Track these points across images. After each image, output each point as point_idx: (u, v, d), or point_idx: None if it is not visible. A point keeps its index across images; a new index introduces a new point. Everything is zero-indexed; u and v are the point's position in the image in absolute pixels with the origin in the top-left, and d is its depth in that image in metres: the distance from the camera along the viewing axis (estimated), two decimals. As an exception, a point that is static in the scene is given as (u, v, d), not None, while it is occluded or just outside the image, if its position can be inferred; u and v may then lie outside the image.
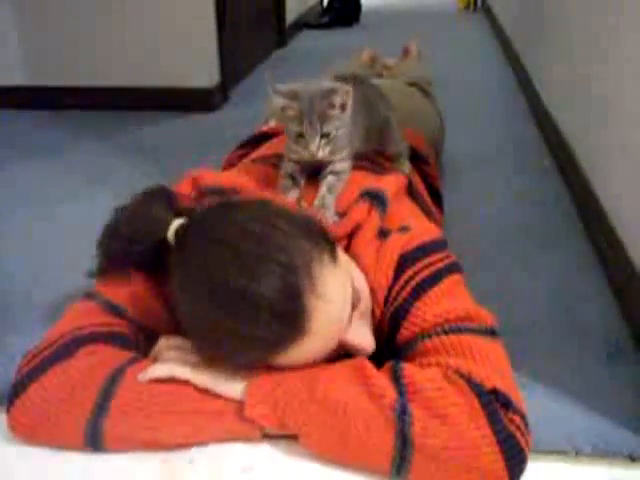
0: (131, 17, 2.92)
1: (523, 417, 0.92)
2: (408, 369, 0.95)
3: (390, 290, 1.08)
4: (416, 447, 0.88)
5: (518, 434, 0.90)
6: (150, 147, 2.52)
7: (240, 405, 0.95)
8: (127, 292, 1.11)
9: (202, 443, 0.99)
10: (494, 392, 0.91)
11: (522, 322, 1.40)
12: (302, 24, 5.14)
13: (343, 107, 1.17)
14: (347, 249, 1.13)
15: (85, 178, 2.21)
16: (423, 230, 1.15)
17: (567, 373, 1.24)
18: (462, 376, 0.93)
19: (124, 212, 1.09)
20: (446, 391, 0.91)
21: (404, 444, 0.88)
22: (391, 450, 0.89)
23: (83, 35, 2.96)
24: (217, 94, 3.04)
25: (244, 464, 0.98)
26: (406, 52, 2.84)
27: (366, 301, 1.06)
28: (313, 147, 1.15)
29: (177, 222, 1.02)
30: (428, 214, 1.34)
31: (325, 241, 0.97)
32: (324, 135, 1.16)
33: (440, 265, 1.10)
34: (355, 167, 1.28)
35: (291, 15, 4.74)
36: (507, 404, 0.91)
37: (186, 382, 0.96)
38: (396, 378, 0.93)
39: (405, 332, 1.05)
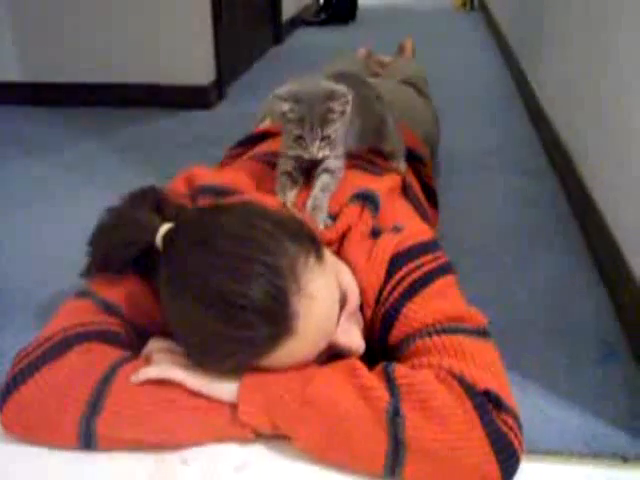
0: (128, 14, 2.91)
1: (516, 418, 0.92)
2: (400, 370, 0.95)
3: (382, 290, 1.08)
4: (409, 448, 0.88)
5: (511, 435, 0.90)
6: (146, 144, 2.51)
7: (232, 407, 0.95)
8: (120, 290, 1.11)
9: (195, 444, 0.99)
10: (487, 393, 0.91)
11: (516, 322, 1.40)
12: (299, 21, 5.13)
13: (342, 112, 1.18)
14: (339, 250, 1.13)
15: (81, 176, 2.20)
16: (416, 230, 1.15)
17: (560, 373, 1.25)
18: (455, 377, 0.93)
19: (113, 214, 1.10)
20: (439, 392, 0.91)
21: (397, 445, 0.88)
22: (384, 451, 0.89)
23: (80, 32, 2.95)
24: (213, 91, 3.04)
25: (237, 464, 0.98)
26: (401, 50, 2.84)
27: (355, 301, 1.06)
28: (313, 149, 1.16)
29: (165, 227, 1.02)
30: (422, 214, 1.34)
31: (311, 242, 0.97)
32: (324, 138, 1.16)
33: (432, 266, 1.10)
34: (349, 166, 1.28)
35: (288, 12, 4.74)
36: (500, 405, 0.91)
37: (179, 384, 0.96)
38: (388, 379, 0.93)
39: (397, 333, 1.05)
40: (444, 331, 1.00)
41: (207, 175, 1.24)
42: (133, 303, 1.10)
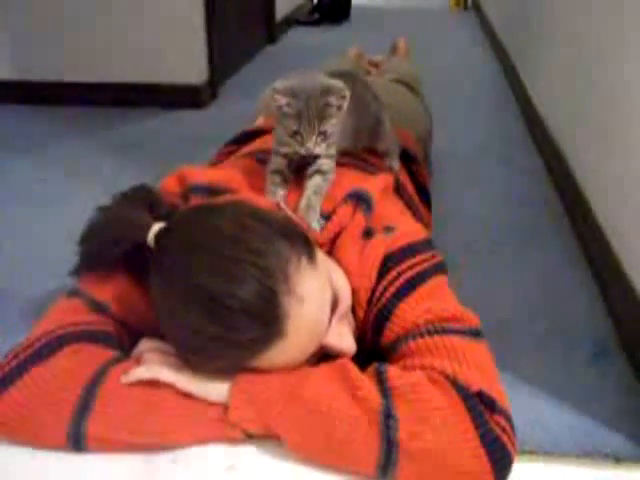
0: (118, 13, 2.90)
1: (509, 419, 0.92)
2: (392, 371, 0.94)
3: (373, 291, 1.08)
4: (401, 450, 0.88)
5: (504, 436, 0.89)
6: (137, 144, 2.50)
7: (223, 408, 0.95)
8: (111, 290, 1.10)
9: (185, 445, 0.99)
10: (479, 394, 0.91)
11: (508, 321, 1.40)
12: (292, 21, 5.12)
13: (339, 107, 1.17)
14: (331, 251, 1.13)
15: (71, 175, 2.19)
16: (408, 230, 1.14)
17: (553, 373, 1.24)
18: (447, 378, 0.92)
19: (105, 213, 1.09)
20: (431, 394, 0.90)
21: (389, 447, 0.88)
22: (376, 453, 0.89)
23: (69, 31, 2.94)
24: (205, 91, 3.03)
25: (228, 464, 0.98)
26: (394, 49, 2.84)
27: (346, 302, 1.05)
28: (310, 144, 1.15)
29: (157, 226, 1.02)
30: (416, 213, 1.33)
31: (303, 242, 0.96)
32: (321, 133, 1.15)
33: (424, 266, 1.09)
34: (343, 165, 1.28)
35: (281, 12, 4.73)
36: (492, 406, 0.91)
37: (169, 385, 0.96)
38: (380, 381, 0.93)
39: (389, 333, 1.04)
40: (436, 332, 0.99)
41: (199, 173, 1.23)
42: (124, 303, 1.10)
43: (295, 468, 0.97)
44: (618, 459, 1.04)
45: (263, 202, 1.12)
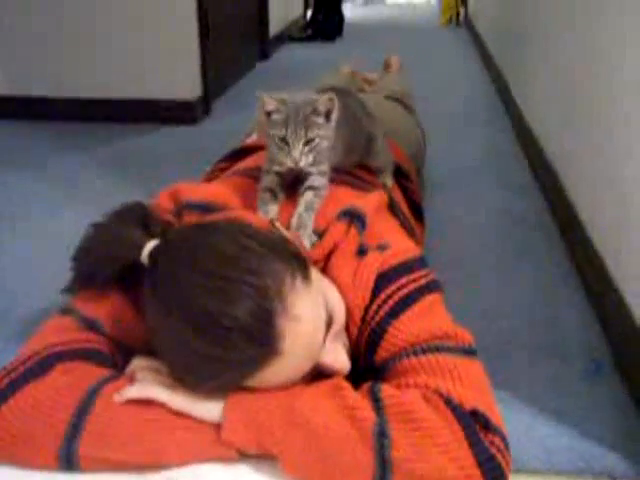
0: (114, 29, 2.91)
1: (503, 438, 0.91)
2: (387, 390, 0.94)
3: (367, 309, 1.07)
4: (396, 470, 0.87)
5: (499, 455, 0.89)
6: (131, 159, 2.50)
7: (217, 427, 0.94)
8: (104, 308, 1.10)
9: (179, 464, 0.98)
10: (473, 413, 0.91)
11: (501, 339, 1.40)
12: (285, 37, 5.15)
13: (328, 115, 1.17)
14: (325, 269, 1.13)
15: (66, 190, 2.19)
16: (402, 248, 1.14)
17: (547, 391, 1.24)
18: (441, 397, 0.92)
19: (99, 230, 1.08)
20: (425, 412, 0.90)
21: (384, 467, 0.87)
22: (371, 472, 0.88)
23: (66, 47, 2.95)
24: (199, 107, 3.04)
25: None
26: (387, 66, 2.85)
27: (341, 321, 1.05)
28: (296, 153, 1.15)
29: (151, 244, 1.01)
30: (409, 230, 1.33)
31: (298, 261, 0.96)
32: (308, 142, 1.15)
33: (418, 284, 1.09)
34: (336, 181, 1.28)
35: (274, 28, 4.75)
36: (487, 425, 0.90)
37: (162, 404, 0.95)
38: (375, 399, 0.92)
39: (382, 352, 1.04)
40: (430, 350, 0.99)
41: (192, 190, 1.23)
42: (117, 320, 1.09)
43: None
44: (613, 478, 1.03)
45: (257, 220, 1.12)
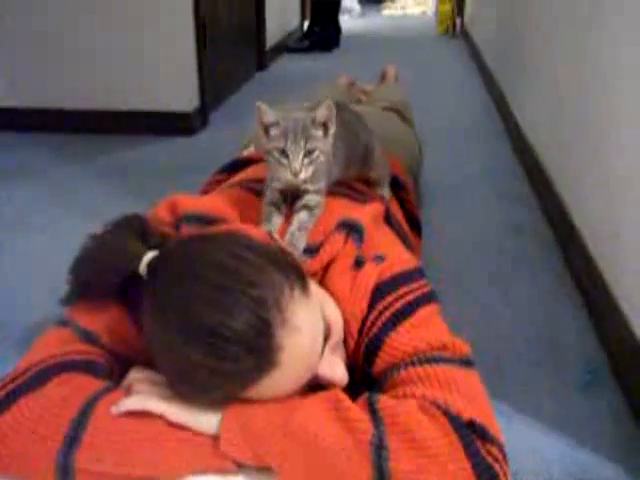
0: (113, 42, 2.92)
1: (501, 448, 0.91)
2: (384, 401, 0.94)
3: (364, 321, 1.08)
4: (393, 480, 0.87)
5: (496, 466, 0.89)
6: (128, 171, 2.51)
7: (214, 439, 0.94)
8: (102, 319, 1.09)
9: (177, 477, 0.97)
10: (471, 423, 0.91)
11: (499, 350, 1.40)
12: (282, 48, 5.16)
13: (326, 126, 1.18)
14: (322, 280, 1.13)
15: (66, 201, 2.19)
16: (398, 259, 1.15)
17: (545, 402, 1.24)
18: (439, 408, 0.92)
19: (97, 241, 1.08)
20: (423, 424, 0.90)
21: (381, 477, 0.87)
22: (368, 484, 0.88)
23: (66, 59, 2.96)
24: (196, 118, 3.04)
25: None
26: (384, 76, 2.86)
27: (339, 333, 1.05)
28: (296, 164, 1.15)
29: (149, 255, 1.01)
30: (406, 242, 1.33)
31: (296, 273, 0.96)
32: (307, 154, 1.15)
33: (415, 295, 1.09)
34: (333, 193, 1.28)
35: (271, 39, 4.76)
36: (485, 435, 0.90)
37: (159, 415, 0.95)
38: (372, 411, 0.92)
39: (380, 363, 1.04)
40: (428, 361, 0.99)
41: (190, 202, 1.23)
42: (114, 332, 1.09)
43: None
44: (611, 488, 1.03)
45: (255, 232, 1.12)
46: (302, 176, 1.16)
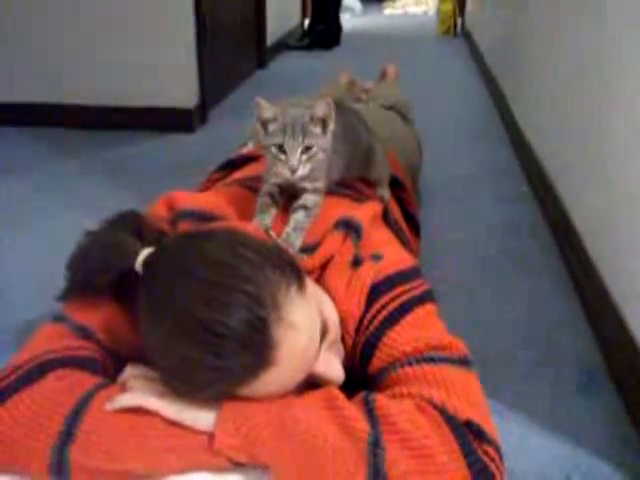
0: (113, 38, 2.92)
1: (497, 448, 0.91)
2: (381, 400, 0.93)
3: (362, 319, 1.07)
4: (389, 479, 0.87)
5: (492, 466, 0.88)
6: (127, 167, 2.51)
7: (209, 436, 0.93)
8: (97, 316, 1.09)
9: (171, 473, 0.97)
10: (468, 424, 0.90)
11: (496, 350, 1.40)
12: (283, 46, 5.16)
13: (325, 123, 1.17)
14: (320, 279, 1.12)
15: (59, 198, 2.19)
16: (396, 258, 1.14)
17: (541, 403, 1.24)
18: (435, 407, 0.91)
19: (93, 238, 1.08)
20: (419, 423, 0.89)
21: (377, 477, 0.86)
22: (364, 483, 0.87)
23: (65, 53, 2.96)
24: (196, 115, 3.04)
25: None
26: (384, 75, 2.85)
27: (335, 331, 1.05)
28: (294, 160, 1.14)
29: (145, 252, 1.01)
30: (404, 241, 1.33)
31: (293, 271, 0.96)
32: (305, 150, 1.15)
33: (412, 294, 1.09)
34: (332, 193, 1.28)
35: (272, 37, 4.76)
36: (481, 435, 0.90)
37: (154, 412, 0.94)
38: (369, 409, 0.92)
39: (377, 362, 1.04)
40: (425, 360, 0.99)
41: (188, 199, 1.23)
42: (110, 328, 1.08)
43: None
44: (607, 489, 1.03)
45: (252, 230, 1.12)
46: (299, 172, 1.16)
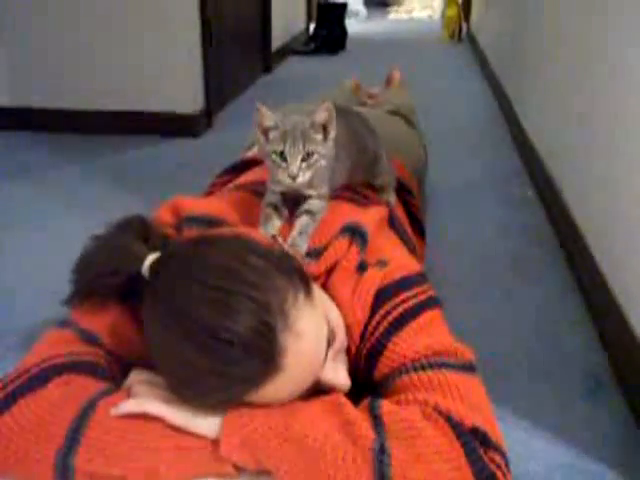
0: (116, 41, 2.92)
1: (503, 455, 0.90)
2: (386, 406, 0.93)
3: (367, 326, 1.07)
4: (395, 486, 0.86)
5: (499, 473, 0.88)
6: (132, 172, 2.51)
7: (214, 442, 0.93)
8: (103, 321, 1.09)
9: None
10: (473, 430, 0.90)
11: (502, 355, 1.39)
12: (288, 50, 5.16)
13: (326, 130, 1.16)
14: (325, 284, 1.12)
15: (65, 202, 2.19)
16: (401, 264, 1.14)
17: (547, 408, 1.24)
18: (441, 414, 0.91)
19: (99, 242, 1.08)
20: (425, 430, 0.89)
21: (383, 483, 0.86)
22: (369, 489, 0.87)
23: (68, 58, 2.96)
24: (201, 120, 3.04)
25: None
26: (389, 80, 2.85)
27: (342, 338, 1.05)
28: (294, 168, 1.14)
29: (152, 257, 1.01)
30: (409, 246, 1.33)
31: (300, 277, 0.95)
32: (306, 157, 1.14)
33: (418, 300, 1.09)
34: (338, 197, 1.28)
35: (277, 41, 4.76)
36: (487, 442, 0.90)
37: (159, 418, 0.94)
38: (374, 416, 0.91)
39: (382, 368, 1.04)
40: (430, 366, 0.98)
41: (193, 204, 1.23)
42: (115, 333, 1.08)
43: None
44: (614, 496, 1.02)
45: (259, 235, 1.12)
46: (300, 179, 1.15)
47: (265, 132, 1.17)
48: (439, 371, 0.98)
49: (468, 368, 1.00)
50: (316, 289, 1.01)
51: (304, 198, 1.20)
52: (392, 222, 1.33)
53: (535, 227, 2.04)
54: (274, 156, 1.15)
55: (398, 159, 1.70)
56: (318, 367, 0.97)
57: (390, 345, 1.04)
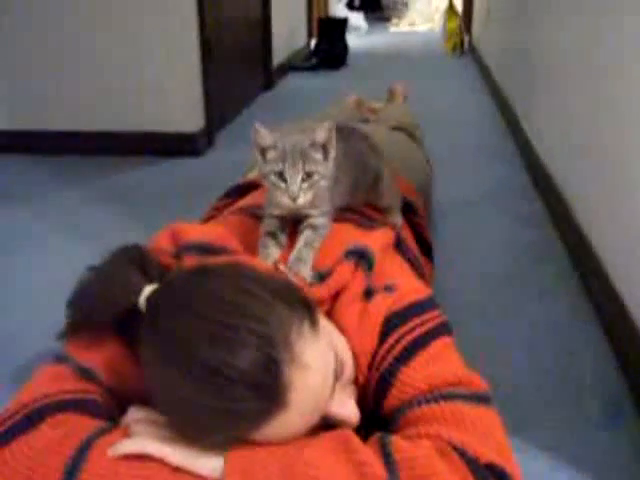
0: (115, 61, 2.90)
1: (520, 490, 0.86)
2: (398, 443, 0.88)
3: (375, 355, 1.03)
4: (408, 528, 0.82)
5: (517, 510, 0.83)
6: (134, 192, 2.48)
7: (217, 483, 0.89)
8: (100, 355, 1.05)
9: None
10: (490, 466, 0.85)
11: (516, 384, 1.35)
12: (289, 66, 5.15)
13: (326, 149, 1.13)
14: (330, 311, 1.08)
15: (66, 224, 2.16)
16: (410, 289, 1.09)
17: (563, 436, 1.19)
18: (455, 449, 0.86)
19: (95, 273, 1.04)
20: (439, 468, 0.84)
21: (394, 526, 0.82)
22: (381, 531, 0.82)
23: (67, 79, 2.95)
24: (202, 138, 3.02)
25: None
26: (392, 95, 2.82)
27: (350, 369, 1.00)
28: (294, 188, 1.10)
29: (149, 288, 0.97)
30: (417, 269, 1.29)
31: (305, 307, 0.91)
32: (306, 177, 1.11)
33: (428, 327, 1.04)
34: (341, 219, 1.24)
35: (278, 57, 4.75)
36: (504, 478, 0.85)
37: (158, 458, 0.89)
38: (385, 453, 0.87)
39: (392, 400, 0.99)
40: (443, 398, 0.94)
41: (192, 231, 1.19)
42: (112, 368, 1.04)
43: None
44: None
45: (260, 264, 1.08)
46: (301, 201, 1.11)
47: (263, 152, 1.14)
48: (452, 403, 0.93)
49: (483, 399, 0.95)
50: (322, 317, 0.97)
51: (305, 217, 1.16)
52: (399, 245, 1.29)
53: (545, 244, 2.00)
54: (273, 177, 1.12)
55: (403, 176, 1.66)
56: (325, 401, 0.92)
57: (400, 376, 0.99)
